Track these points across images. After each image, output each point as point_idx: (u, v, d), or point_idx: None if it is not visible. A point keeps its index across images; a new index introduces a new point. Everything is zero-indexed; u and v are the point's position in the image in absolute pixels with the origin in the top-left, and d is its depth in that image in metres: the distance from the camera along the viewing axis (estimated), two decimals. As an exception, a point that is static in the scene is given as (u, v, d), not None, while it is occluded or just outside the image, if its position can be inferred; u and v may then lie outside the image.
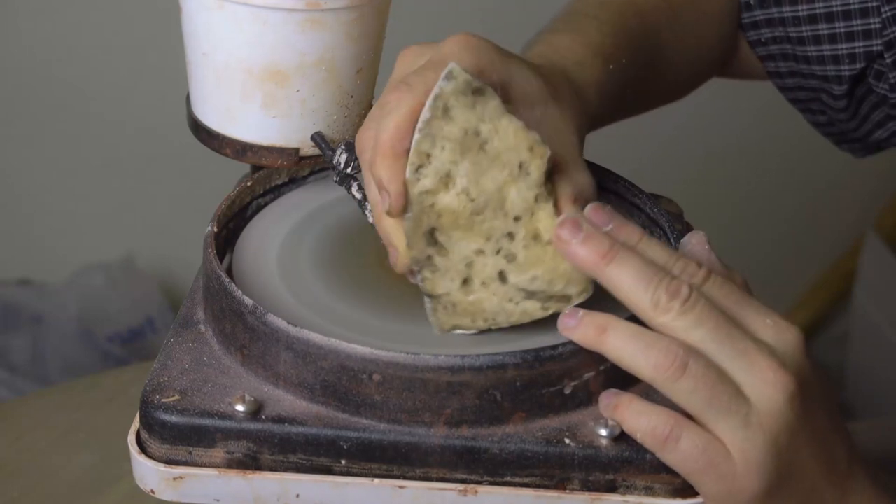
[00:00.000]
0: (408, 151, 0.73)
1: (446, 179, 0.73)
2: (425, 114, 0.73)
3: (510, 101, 0.76)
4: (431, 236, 0.74)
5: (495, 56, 0.76)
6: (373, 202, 0.76)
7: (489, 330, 0.76)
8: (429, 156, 0.73)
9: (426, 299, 0.76)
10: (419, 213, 0.74)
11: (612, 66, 0.89)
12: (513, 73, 0.77)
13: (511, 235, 0.74)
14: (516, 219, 0.74)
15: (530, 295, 0.74)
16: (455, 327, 0.76)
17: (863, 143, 1.08)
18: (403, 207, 0.74)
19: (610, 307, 0.72)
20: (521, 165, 0.73)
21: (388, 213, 0.74)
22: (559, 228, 0.72)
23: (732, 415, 0.69)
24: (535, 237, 0.74)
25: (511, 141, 0.73)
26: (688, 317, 0.70)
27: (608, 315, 0.71)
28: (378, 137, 0.74)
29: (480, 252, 0.75)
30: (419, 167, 0.73)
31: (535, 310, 0.75)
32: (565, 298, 0.74)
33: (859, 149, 1.09)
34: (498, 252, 0.74)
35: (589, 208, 0.73)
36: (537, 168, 0.73)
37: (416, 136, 0.73)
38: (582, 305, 0.73)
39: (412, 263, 0.75)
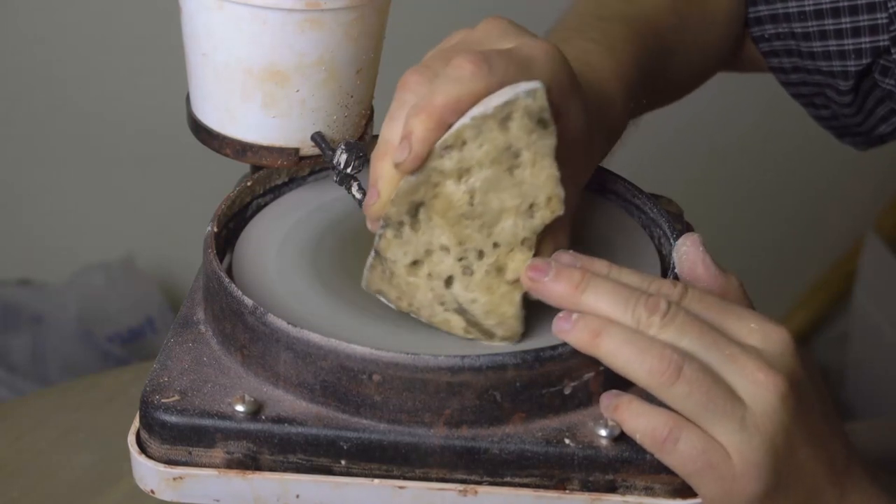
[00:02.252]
0: (450, 126, 0.72)
1: (463, 172, 0.73)
2: (487, 108, 0.71)
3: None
4: (415, 207, 0.74)
5: (566, 84, 0.74)
6: (383, 141, 0.74)
7: (406, 315, 0.76)
8: (464, 144, 0.72)
9: (372, 253, 0.76)
10: (422, 182, 0.73)
11: (633, 104, 0.90)
12: (570, 110, 0.75)
13: (481, 254, 0.74)
14: (496, 245, 0.74)
15: (461, 311, 0.75)
16: (379, 293, 0.76)
17: (865, 136, 1.07)
18: (412, 169, 0.72)
19: None
20: (531, 206, 0.73)
21: (396, 166, 0.72)
22: (528, 270, 0.73)
23: (728, 417, 0.69)
24: (500, 270, 0.75)
25: (539, 182, 0.73)
26: (670, 329, 0.70)
27: (603, 319, 0.71)
28: (434, 95, 0.71)
29: (445, 249, 0.75)
30: (449, 147, 0.73)
31: (457, 326, 0.76)
32: (489, 334, 0.75)
33: (861, 142, 1.09)
34: (460, 259, 0.75)
35: (556, 253, 0.75)
36: (542, 219, 0.74)
37: (466, 120, 0.72)
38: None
39: (384, 217, 0.75)
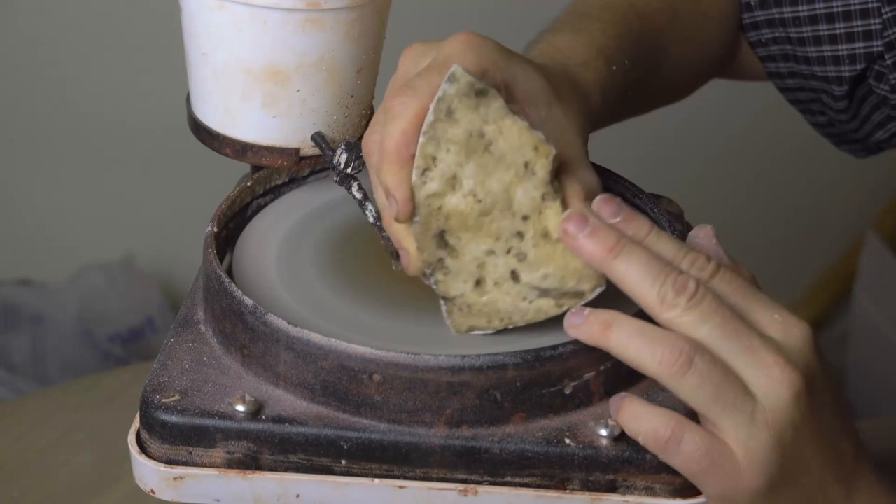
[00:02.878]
0: (414, 156, 0.73)
1: (453, 182, 0.73)
2: (429, 117, 0.73)
3: (514, 101, 0.76)
4: (441, 239, 0.75)
5: (498, 56, 0.76)
6: (381, 208, 0.77)
7: (506, 329, 0.75)
8: (434, 159, 0.73)
9: (441, 302, 0.76)
10: (427, 216, 0.74)
11: (614, 68, 0.89)
12: (516, 72, 0.77)
13: (520, 234, 0.74)
14: (524, 218, 0.74)
15: (544, 293, 0.74)
16: (472, 328, 0.76)
17: (863, 143, 1.07)
18: (411, 213, 0.74)
19: (620, 302, 0.72)
20: (526, 165, 0.73)
21: (397, 220, 0.74)
22: (565, 223, 0.72)
23: (737, 411, 0.69)
24: (545, 235, 0.74)
25: (516, 141, 0.73)
26: (694, 312, 0.69)
27: (613, 311, 0.71)
28: (383, 144, 0.74)
29: (491, 252, 0.75)
30: (425, 170, 0.73)
31: (549, 307, 0.75)
32: (579, 294, 0.74)
33: (859, 149, 1.09)
34: (508, 251, 0.74)
35: (598, 200, 0.73)
36: (543, 167, 0.73)
37: (421, 139, 0.73)
38: (593, 300, 0.73)
39: (424, 266, 0.75)
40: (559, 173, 0.75)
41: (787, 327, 0.71)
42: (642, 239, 0.72)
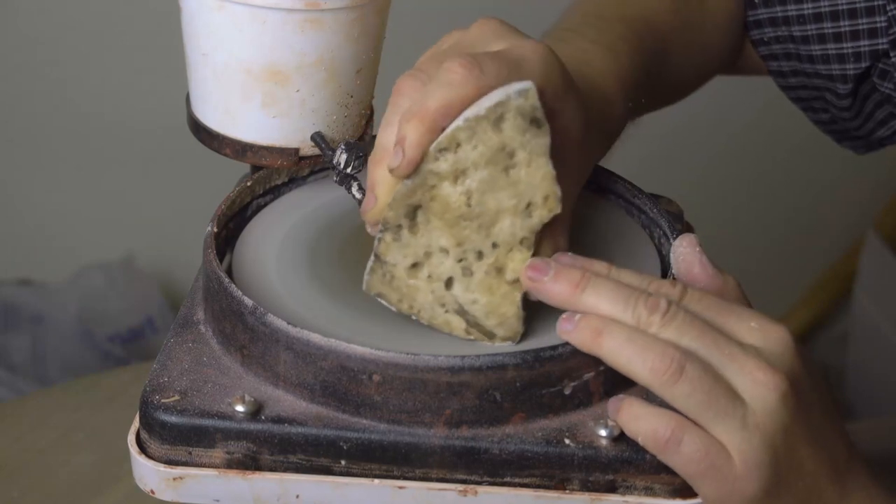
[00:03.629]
0: (444, 129, 0.72)
1: (459, 174, 0.73)
2: (479, 110, 0.72)
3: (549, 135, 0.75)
4: (413, 210, 0.74)
5: (559, 83, 0.74)
6: (381, 147, 0.75)
7: (406, 316, 0.76)
8: (458, 146, 0.72)
9: (372, 256, 0.76)
10: (418, 185, 0.73)
11: (632, 103, 0.90)
12: (566, 110, 0.75)
13: (480, 255, 0.74)
14: (494, 245, 0.74)
15: (462, 313, 0.75)
16: (380, 295, 0.76)
17: (865, 140, 1.07)
18: (407, 175, 0.73)
19: None
20: (528, 205, 0.73)
21: (391, 170, 0.73)
22: (528, 270, 0.73)
23: (730, 417, 0.69)
24: (500, 271, 0.75)
25: (535, 181, 0.73)
26: (670, 328, 0.70)
27: (604, 318, 0.71)
28: (426, 100, 0.72)
29: (445, 251, 0.75)
30: (444, 150, 0.73)
31: (458, 327, 0.75)
32: (489, 334, 0.75)
33: (860, 146, 1.09)
34: (460, 261, 0.75)
35: (556, 254, 0.75)
36: (540, 217, 0.74)
37: (459, 122, 0.72)
38: None
39: (382, 221, 0.75)
40: (543, 226, 0.75)
41: (765, 334, 0.71)
42: (605, 275, 0.73)
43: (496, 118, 0.72)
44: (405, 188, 0.73)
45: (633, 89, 0.90)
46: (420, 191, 0.74)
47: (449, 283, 0.75)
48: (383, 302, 0.76)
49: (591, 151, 0.82)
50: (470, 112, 0.72)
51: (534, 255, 0.74)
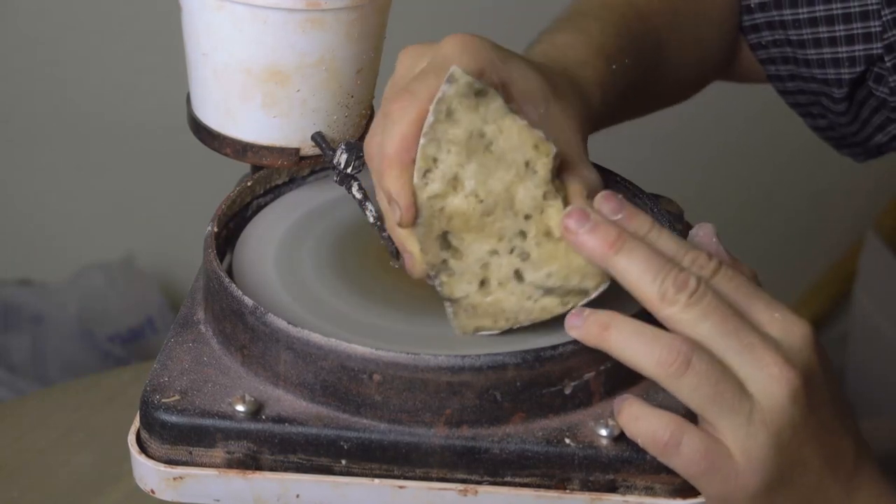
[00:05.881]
0: (415, 161, 0.73)
1: (454, 182, 0.74)
2: (429, 119, 0.73)
3: (512, 101, 0.76)
4: (444, 240, 0.75)
5: (495, 56, 0.76)
6: (384, 212, 0.77)
7: (511, 329, 0.75)
8: (435, 160, 0.73)
9: (446, 303, 0.76)
10: (430, 217, 0.74)
11: (614, 67, 0.89)
12: (513, 72, 0.77)
13: (523, 234, 0.74)
14: (526, 217, 0.74)
15: (548, 291, 0.74)
16: (478, 329, 0.76)
17: (863, 147, 1.07)
18: (414, 218, 0.74)
19: (622, 302, 0.72)
20: (527, 164, 0.73)
21: (400, 225, 0.74)
22: (566, 219, 0.72)
23: (735, 412, 0.69)
24: (547, 234, 0.74)
25: (516, 140, 0.73)
26: (694, 309, 0.69)
27: (612, 312, 0.71)
28: (384, 149, 0.74)
29: (494, 252, 0.75)
30: (426, 172, 0.73)
31: (554, 306, 0.74)
32: (583, 292, 0.74)
33: (860, 153, 1.09)
34: (511, 251, 0.74)
35: (599, 196, 0.73)
36: (543, 166, 0.73)
37: (422, 141, 0.73)
38: (596, 298, 0.73)
39: (428, 268, 0.75)
40: (560, 171, 0.75)
41: (787, 326, 0.71)
42: (644, 235, 0.72)
43: (446, 114, 0.73)
44: (423, 228, 0.74)
45: (614, 55, 0.89)
46: (435, 221, 0.74)
47: (518, 275, 0.75)
48: (485, 333, 0.76)
49: (571, 100, 0.81)
50: (424, 127, 0.73)
51: (565, 197, 0.74)
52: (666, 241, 0.72)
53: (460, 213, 0.74)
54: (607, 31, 0.91)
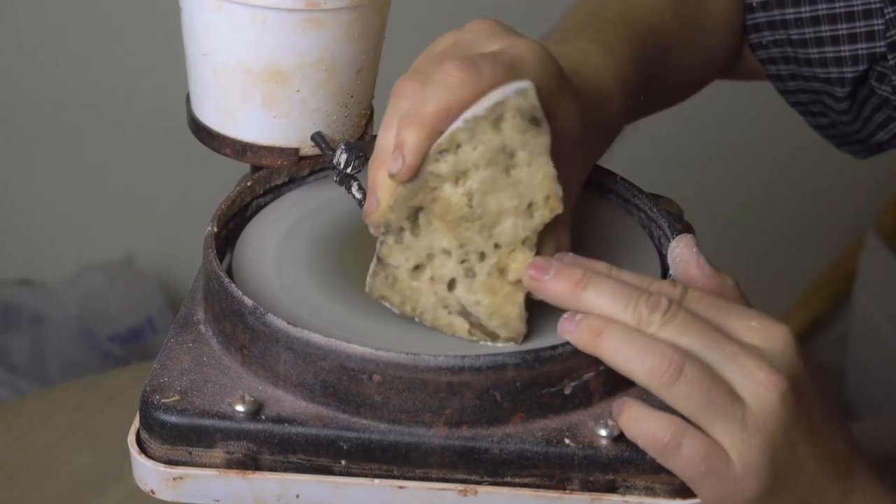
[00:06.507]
0: (442, 132, 0.72)
1: (460, 175, 0.73)
2: (479, 110, 0.72)
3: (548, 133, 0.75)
4: (415, 212, 0.74)
5: (554, 82, 0.75)
6: (381, 150, 0.75)
7: (410, 319, 0.76)
8: (459, 147, 0.72)
9: (374, 259, 0.76)
10: (419, 187, 0.73)
11: (631, 102, 0.90)
12: (560, 106, 0.75)
13: (482, 256, 0.74)
14: (496, 246, 0.74)
15: (465, 314, 0.75)
16: (383, 298, 0.76)
17: (864, 144, 1.07)
18: (408, 179, 0.73)
19: None
20: (529, 205, 0.73)
21: (391, 175, 0.73)
22: (529, 268, 0.73)
23: (728, 418, 0.69)
24: (502, 271, 0.75)
25: (536, 181, 0.73)
26: (670, 326, 0.70)
27: (604, 318, 0.71)
28: (424, 105, 0.72)
29: (447, 252, 0.75)
30: (444, 151, 0.73)
31: (461, 328, 0.75)
32: (493, 335, 0.75)
33: (860, 150, 1.09)
34: (462, 262, 0.75)
35: (557, 255, 0.74)
36: (542, 217, 0.74)
37: (459, 124, 0.72)
38: None
39: (384, 223, 0.75)
40: (544, 226, 0.75)
41: (766, 333, 0.71)
42: (606, 274, 0.73)
43: (495, 118, 0.72)
44: (406, 190, 0.73)
45: (632, 88, 0.90)
46: (421, 193, 0.74)
47: (452, 284, 0.75)
48: (386, 304, 0.76)
49: (590, 150, 0.82)
50: (469, 113, 0.72)
51: (536, 255, 0.74)
52: (628, 276, 0.73)
53: (446, 203, 0.74)
54: (632, 61, 0.91)
